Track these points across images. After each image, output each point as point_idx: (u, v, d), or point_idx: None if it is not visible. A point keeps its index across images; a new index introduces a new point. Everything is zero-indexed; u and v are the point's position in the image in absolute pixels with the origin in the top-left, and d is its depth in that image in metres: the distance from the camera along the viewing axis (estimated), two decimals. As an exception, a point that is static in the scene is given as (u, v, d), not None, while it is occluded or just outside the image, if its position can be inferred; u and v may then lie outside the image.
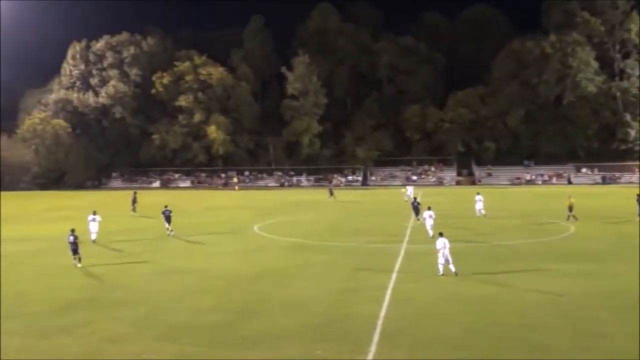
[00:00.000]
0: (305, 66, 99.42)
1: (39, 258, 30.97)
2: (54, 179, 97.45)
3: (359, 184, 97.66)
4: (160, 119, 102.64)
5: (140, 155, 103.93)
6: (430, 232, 33.79)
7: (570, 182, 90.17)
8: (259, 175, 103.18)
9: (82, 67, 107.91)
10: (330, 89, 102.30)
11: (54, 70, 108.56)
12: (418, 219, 40.71)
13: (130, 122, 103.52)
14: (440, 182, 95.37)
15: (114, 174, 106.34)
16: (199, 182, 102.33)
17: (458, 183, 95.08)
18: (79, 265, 28.36)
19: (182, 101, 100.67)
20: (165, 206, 40.11)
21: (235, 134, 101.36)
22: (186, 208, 56.97)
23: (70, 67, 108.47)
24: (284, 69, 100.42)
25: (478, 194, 47.00)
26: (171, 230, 38.75)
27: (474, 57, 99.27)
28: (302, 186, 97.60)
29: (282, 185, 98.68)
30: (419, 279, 24.24)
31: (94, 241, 35.71)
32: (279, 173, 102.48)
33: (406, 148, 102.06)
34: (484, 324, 18.10)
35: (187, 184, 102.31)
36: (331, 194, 63.54)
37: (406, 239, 34.57)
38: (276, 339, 17.37)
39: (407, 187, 62.39)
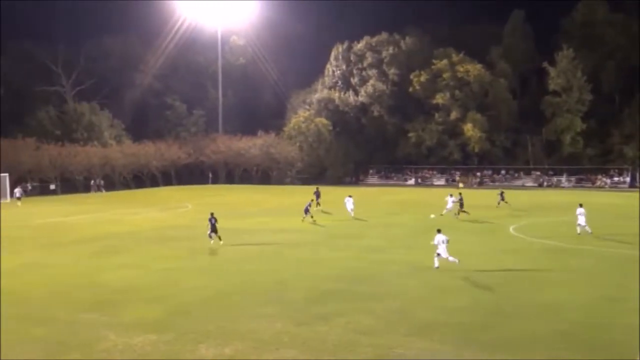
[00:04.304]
0: (569, 61, 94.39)
1: (298, 248, 32.81)
2: (315, 174, 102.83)
3: (626, 185, 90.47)
4: (417, 116, 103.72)
5: (396, 152, 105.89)
6: (587, 229, 36.89)
7: None
8: (516, 175, 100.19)
9: (344, 67, 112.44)
10: (596, 85, 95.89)
11: (319, 71, 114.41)
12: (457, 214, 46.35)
13: (388, 120, 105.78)
14: None
15: (370, 171, 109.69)
16: (453, 181, 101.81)
17: None
18: (212, 242, 34.15)
19: (439, 99, 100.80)
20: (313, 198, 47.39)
21: (491, 132, 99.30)
22: (438, 206, 56.96)
23: (333, 67, 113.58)
24: (545, 64, 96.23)
25: None
26: (313, 220, 44.39)
27: None
28: (562, 187, 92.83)
29: (540, 185, 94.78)
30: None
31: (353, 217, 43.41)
32: (537, 172, 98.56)
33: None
34: None
35: (442, 182, 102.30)
36: None
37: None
38: (526, 343, 16.71)
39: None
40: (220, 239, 34.16)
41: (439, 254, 26.65)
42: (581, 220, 37.10)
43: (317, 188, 57.58)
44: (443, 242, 26.63)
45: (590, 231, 36.68)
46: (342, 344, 17.06)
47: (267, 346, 17.01)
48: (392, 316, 19.58)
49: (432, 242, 27.21)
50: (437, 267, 26.58)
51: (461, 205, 48.14)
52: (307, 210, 44.94)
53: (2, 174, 71.13)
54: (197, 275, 26.91)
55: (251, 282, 25.13)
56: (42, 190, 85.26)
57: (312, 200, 48.63)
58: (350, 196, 49.23)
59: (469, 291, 22.89)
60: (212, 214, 34.86)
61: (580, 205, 37.78)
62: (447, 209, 48.10)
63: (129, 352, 16.82)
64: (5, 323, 19.53)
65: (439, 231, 27.33)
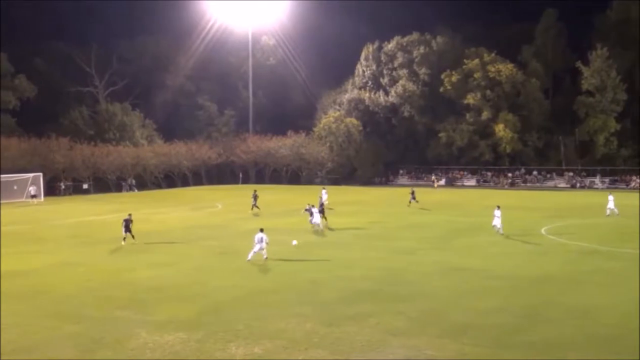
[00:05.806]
0: (603, 60, 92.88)
1: (329, 249, 32.80)
2: (345, 174, 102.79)
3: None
4: (447, 117, 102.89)
5: (426, 153, 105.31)
6: (500, 231, 37.62)
7: None
8: (548, 176, 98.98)
9: (374, 67, 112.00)
10: (631, 84, 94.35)
11: (349, 71, 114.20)
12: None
13: (418, 120, 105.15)
14: None
15: (400, 171, 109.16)
16: (484, 181, 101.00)
17: None
18: (123, 242, 35.18)
19: (470, 99, 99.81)
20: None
21: (523, 132, 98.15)
22: (470, 207, 56.53)
23: (363, 67, 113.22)
24: (578, 64, 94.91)
25: (610, 194, 50.64)
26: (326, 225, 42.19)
27: None
28: (596, 188, 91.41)
29: (572, 187, 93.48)
30: None
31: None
32: (570, 173, 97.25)
33: None
34: None
35: (472, 182, 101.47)
36: None
37: None
38: (560, 347, 16.45)
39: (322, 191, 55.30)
40: (133, 237, 35.73)
41: (261, 249, 29.55)
42: (496, 222, 38.40)
43: (255, 191, 55.53)
44: (262, 240, 29.38)
45: (502, 232, 37.57)
46: (372, 344, 16.99)
47: (296, 346, 17.00)
48: (423, 317, 19.44)
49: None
50: (265, 258, 29.48)
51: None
52: (321, 211, 42.68)
53: (36, 173, 72.19)
54: (228, 274, 27.03)
55: (282, 282, 25.15)
56: (75, 189, 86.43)
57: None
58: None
59: (502, 293, 22.66)
60: (129, 215, 36.76)
61: (498, 208, 39.00)
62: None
63: (159, 350, 16.93)
64: (38, 320, 19.81)
65: (261, 230, 29.81)
